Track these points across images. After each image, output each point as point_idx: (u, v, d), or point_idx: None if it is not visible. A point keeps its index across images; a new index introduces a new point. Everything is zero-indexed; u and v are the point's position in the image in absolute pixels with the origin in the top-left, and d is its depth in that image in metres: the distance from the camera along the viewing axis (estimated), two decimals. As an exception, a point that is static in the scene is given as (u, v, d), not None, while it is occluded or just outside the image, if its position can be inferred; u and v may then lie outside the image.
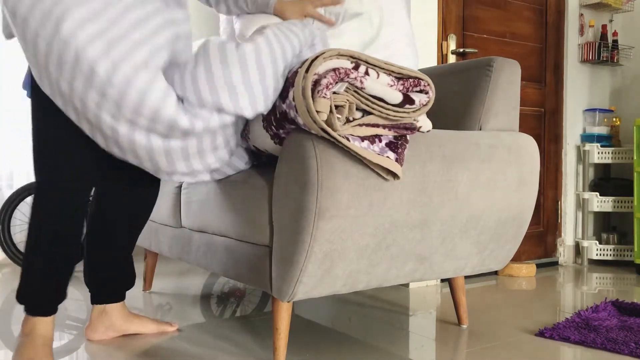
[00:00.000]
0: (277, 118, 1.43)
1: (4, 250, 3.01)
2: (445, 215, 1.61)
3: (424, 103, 1.42)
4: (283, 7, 1.72)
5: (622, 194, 3.34)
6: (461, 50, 2.89)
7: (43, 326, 1.59)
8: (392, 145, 1.41)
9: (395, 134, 1.43)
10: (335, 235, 1.41)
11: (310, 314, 2.18)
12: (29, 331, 1.59)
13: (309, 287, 1.46)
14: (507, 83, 1.89)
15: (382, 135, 1.42)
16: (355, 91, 1.35)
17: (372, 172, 1.42)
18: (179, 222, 2.05)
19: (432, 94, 1.43)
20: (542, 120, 3.30)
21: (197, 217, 1.87)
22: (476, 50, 2.94)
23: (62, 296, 1.63)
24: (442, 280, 2.79)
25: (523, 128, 3.19)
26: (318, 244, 1.39)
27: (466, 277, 2.90)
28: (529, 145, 1.83)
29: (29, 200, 3.23)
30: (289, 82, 1.41)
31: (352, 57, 1.35)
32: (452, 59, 2.87)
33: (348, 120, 1.36)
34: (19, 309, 2.24)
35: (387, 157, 1.39)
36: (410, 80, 1.41)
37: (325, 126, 1.30)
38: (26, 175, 3.45)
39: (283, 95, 1.39)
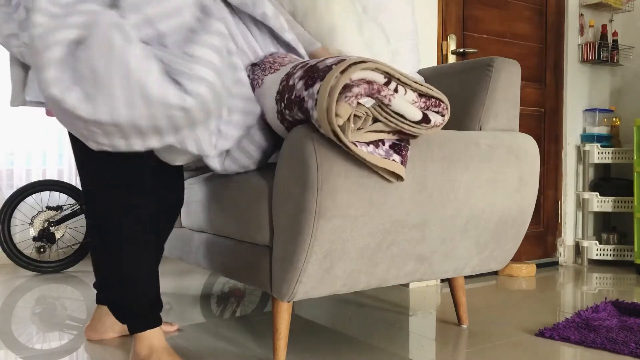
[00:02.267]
0: (291, 99, 1.43)
1: (4, 250, 3.01)
2: (445, 215, 1.61)
3: (438, 124, 1.46)
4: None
5: (622, 194, 3.34)
6: (461, 50, 2.89)
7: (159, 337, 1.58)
8: (397, 148, 1.42)
9: (399, 137, 1.44)
10: (335, 235, 1.41)
11: (310, 314, 2.18)
12: (149, 350, 1.56)
13: (308, 287, 1.46)
14: (507, 83, 1.89)
15: (385, 139, 1.42)
16: (379, 106, 1.37)
17: (372, 172, 1.42)
18: (179, 222, 2.05)
19: (446, 118, 1.48)
20: (542, 120, 3.30)
21: (197, 217, 1.87)
22: (476, 50, 2.94)
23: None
24: (442, 280, 2.79)
25: (523, 128, 3.19)
26: (318, 244, 1.39)
27: (466, 277, 2.90)
28: (529, 145, 1.83)
29: (29, 200, 3.23)
30: (319, 73, 1.40)
31: (387, 73, 1.37)
32: (452, 59, 2.87)
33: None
34: (19, 309, 2.24)
35: (393, 160, 1.40)
36: (433, 100, 1.45)
37: (337, 130, 1.30)
38: (26, 175, 3.45)
39: (308, 83, 1.38)
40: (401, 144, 1.43)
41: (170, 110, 1.32)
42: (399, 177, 1.45)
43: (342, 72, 1.31)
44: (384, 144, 1.40)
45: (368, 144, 1.38)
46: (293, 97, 1.41)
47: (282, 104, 1.46)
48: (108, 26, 1.31)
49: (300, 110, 1.40)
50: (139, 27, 1.36)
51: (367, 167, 1.42)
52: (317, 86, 1.34)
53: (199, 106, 1.35)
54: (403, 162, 1.42)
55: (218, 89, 1.38)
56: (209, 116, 1.40)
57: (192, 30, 1.41)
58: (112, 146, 1.38)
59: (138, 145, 1.38)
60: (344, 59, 1.35)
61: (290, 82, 1.44)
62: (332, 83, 1.30)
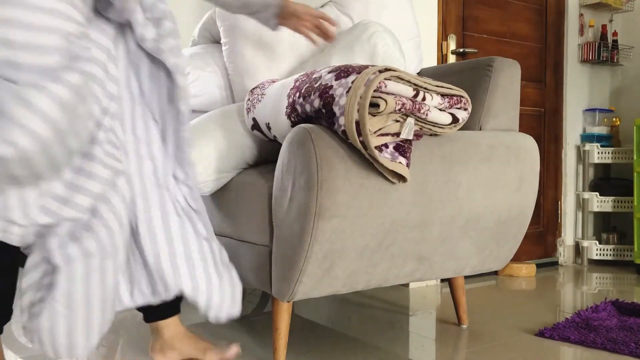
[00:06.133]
0: (313, 87, 1.42)
1: (4, 250, 3.01)
2: (445, 216, 1.61)
3: (465, 118, 1.54)
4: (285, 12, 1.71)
5: (622, 194, 3.34)
6: (461, 50, 2.89)
7: None
8: (401, 149, 1.42)
9: (402, 139, 1.44)
10: (335, 235, 1.41)
11: (310, 314, 2.18)
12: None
13: (308, 287, 1.46)
14: (507, 83, 1.89)
15: (388, 142, 1.42)
16: (416, 118, 1.44)
17: (372, 172, 1.42)
18: (179, 222, 2.05)
19: (469, 110, 1.55)
20: (542, 120, 3.30)
21: (197, 217, 1.87)
22: (476, 50, 2.94)
23: None
24: (442, 280, 2.79)
25: (523, 128, 3.19)
26: (318, 244, 1.39)
27: (466, 277, 2.90)
28: (529, 145, 1.83)
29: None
30: (354, 68, 1.40)
31: (415, 84, 1.41)
32: (452, 59, 2.87)
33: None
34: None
35: (400, 162, 1.41)
36: (455, 98, 1.50)
37: (368, 140, 1.32)
38: (26, 175, 3.44)
39: (341, 75, 1.39)
40: (404, 145, 1.43)
41: None
42: (401, 179, 1.45)
43: (371, 86, 1.32)
44: (387, 147, 1.40)
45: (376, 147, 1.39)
46: (317, 85, 1.42)
47: (298, 94, 1.46)
48: None
49: (320, 97, 1.39)
50: None
51: (367, 167, 1.42)
52: (352, 77, 1.36)
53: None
54: (408, 164, 1.42)
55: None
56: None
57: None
58: None
59: None
60: (369, 68, 1.37)
61: (315, 75, 1.46)
62: (362, 93, 1.32)
